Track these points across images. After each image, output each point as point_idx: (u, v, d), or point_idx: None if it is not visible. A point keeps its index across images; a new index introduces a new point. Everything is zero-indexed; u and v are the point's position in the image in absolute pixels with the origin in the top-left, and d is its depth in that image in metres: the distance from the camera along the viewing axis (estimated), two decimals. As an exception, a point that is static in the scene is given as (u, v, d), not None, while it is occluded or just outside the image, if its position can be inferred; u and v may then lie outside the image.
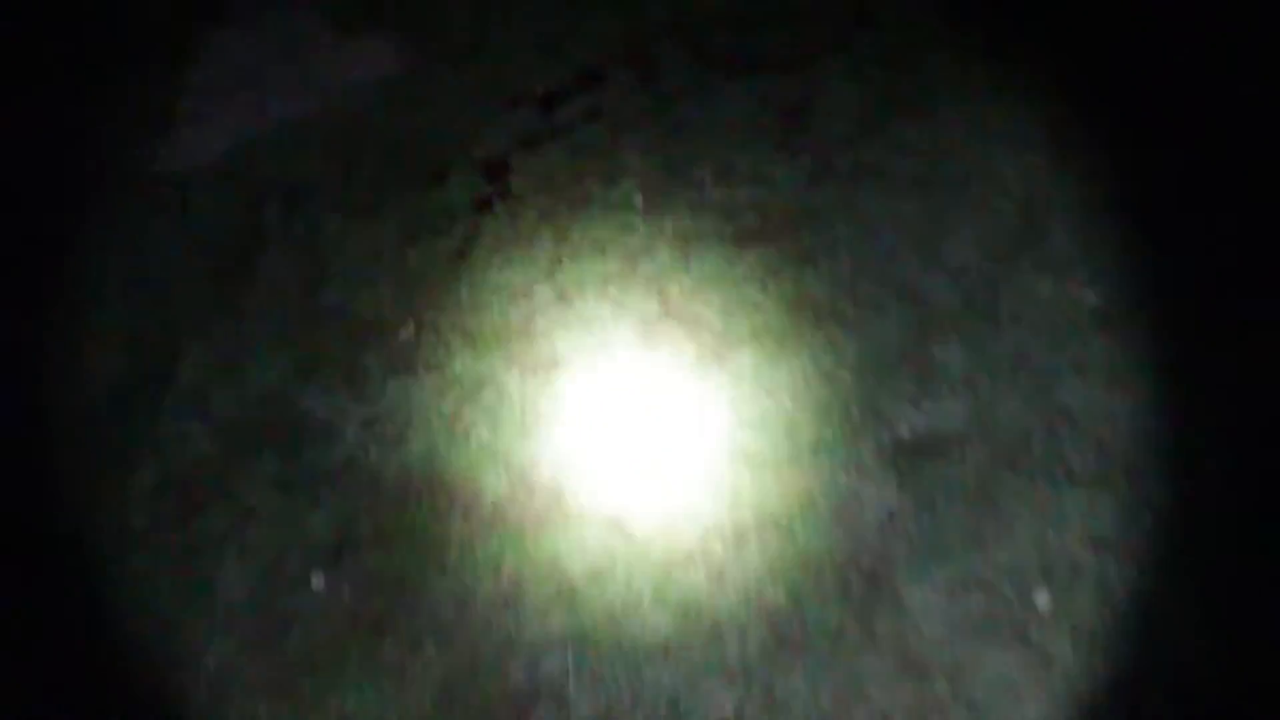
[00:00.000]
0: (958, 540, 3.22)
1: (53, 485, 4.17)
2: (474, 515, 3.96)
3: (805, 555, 3.51)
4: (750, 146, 4.88)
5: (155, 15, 6.31)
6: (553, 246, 4.71)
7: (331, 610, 3.50)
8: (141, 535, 4.05)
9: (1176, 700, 2.79)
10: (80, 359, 4.61)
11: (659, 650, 3.27)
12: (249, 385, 4.40)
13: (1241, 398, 3.26)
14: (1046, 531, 3.20)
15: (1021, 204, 4.28)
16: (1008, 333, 3.74)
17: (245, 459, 4.30)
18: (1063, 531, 3.17)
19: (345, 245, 4.82)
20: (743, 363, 4.12)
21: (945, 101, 4.77)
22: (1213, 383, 3.34)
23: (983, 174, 4.43)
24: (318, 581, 3.60)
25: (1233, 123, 3.72)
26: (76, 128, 5.70)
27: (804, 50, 5.15)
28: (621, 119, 5.17)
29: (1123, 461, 3.30)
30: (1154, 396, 3.39)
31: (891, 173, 4.63)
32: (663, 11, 5.62)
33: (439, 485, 4.10)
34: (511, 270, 4.59)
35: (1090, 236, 3.90)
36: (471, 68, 5.60)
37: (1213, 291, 3.51)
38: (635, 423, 3.89)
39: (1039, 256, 4.09)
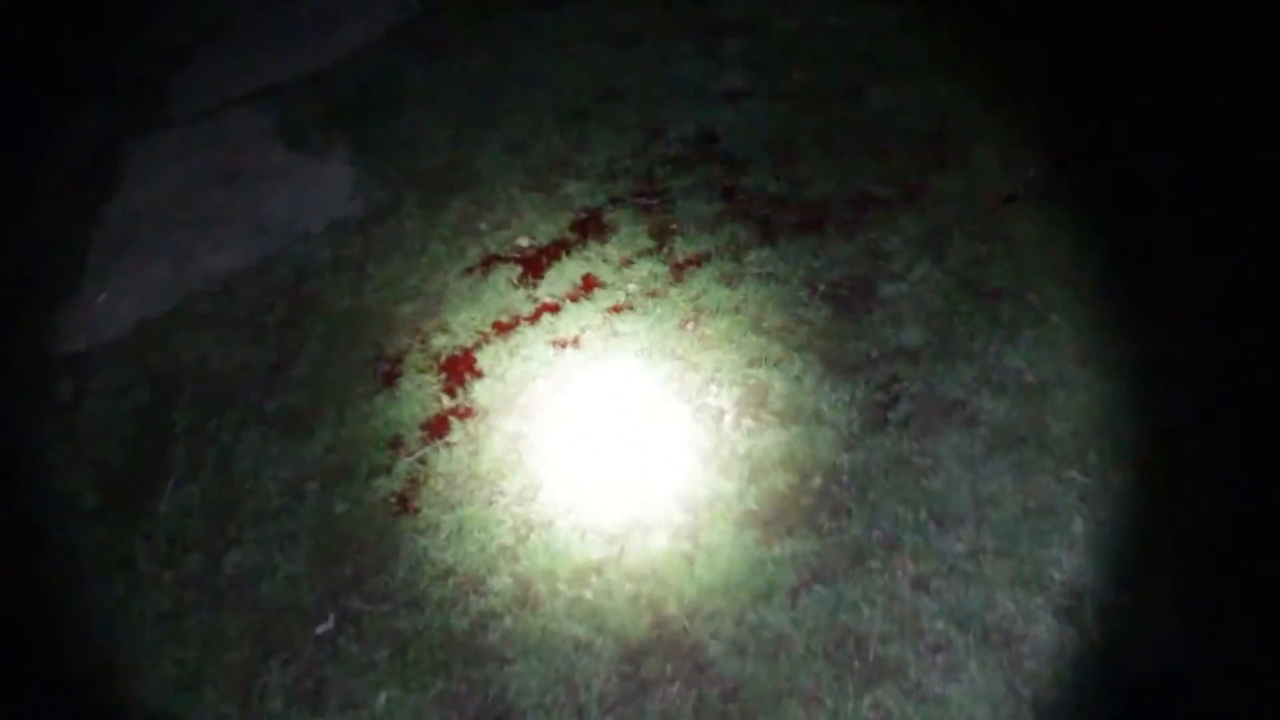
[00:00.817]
0: None
1: None
2: None
3: None
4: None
5: (76, 129, 5.06)
6: (520, 495, 3.58)
7: None
8: None
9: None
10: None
11: None
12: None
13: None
14: None
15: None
16: None
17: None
18: None
19: (262, 477, 3.74)
20: None
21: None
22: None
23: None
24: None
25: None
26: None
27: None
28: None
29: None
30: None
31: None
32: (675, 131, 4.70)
33: None
34: (465, 542, 3.48)
35: None
36: (443, 207, 4.57)
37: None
38: None
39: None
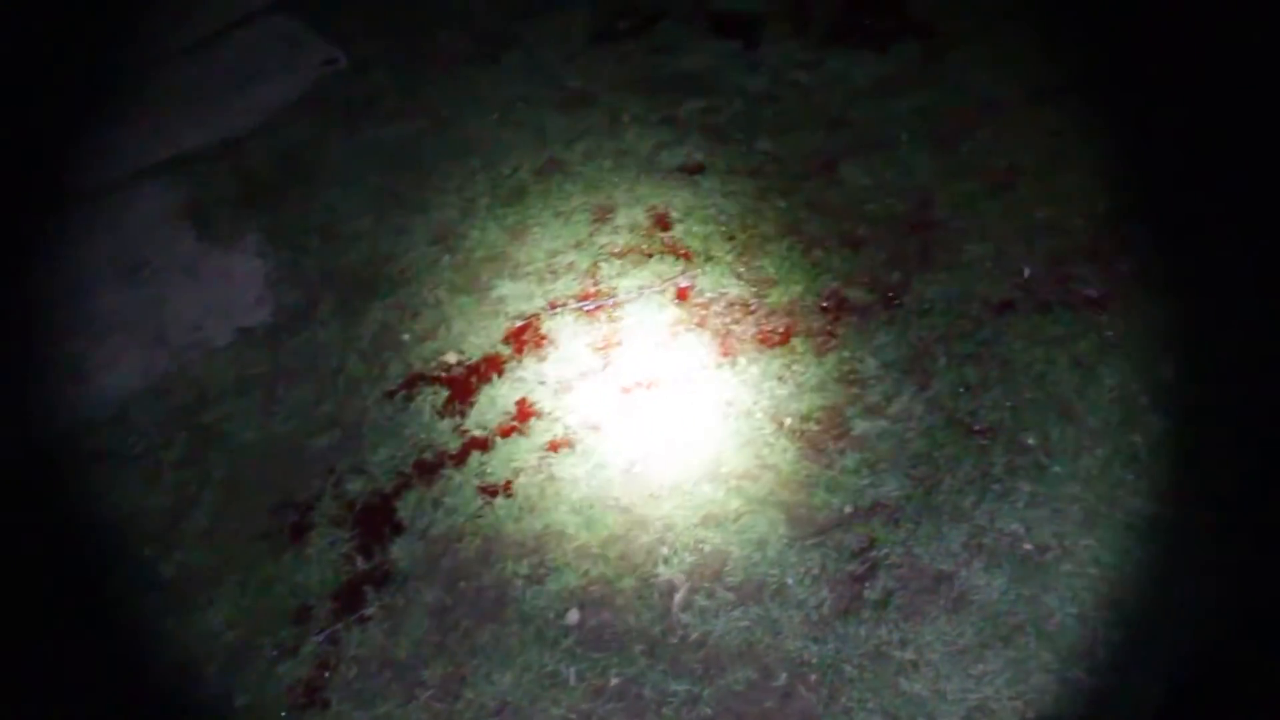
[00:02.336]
0: None
1: None
2: None
3: None
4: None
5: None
6: (442, 688, 3.08)
7: None
8: None
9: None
10: None
11: None
12: None
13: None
14: None
15: None
16: None
17: None
18: None
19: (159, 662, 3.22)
20: None
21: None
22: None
23: None
24: None
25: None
26: None
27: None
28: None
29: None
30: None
31: None
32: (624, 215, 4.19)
33: None
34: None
35: None
36: (363, 313, 4.06)
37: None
38: None
39: None
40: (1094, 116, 4.10)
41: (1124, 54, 4.20)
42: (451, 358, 3.72)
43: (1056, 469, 3.09)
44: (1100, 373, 3.27)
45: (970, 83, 4.34)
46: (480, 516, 3.30)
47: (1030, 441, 3.16)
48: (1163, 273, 3.50)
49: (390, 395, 3.65)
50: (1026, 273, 3.56)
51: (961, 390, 3.32)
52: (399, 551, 3.28)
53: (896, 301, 3.58)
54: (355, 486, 3.47)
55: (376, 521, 3.38)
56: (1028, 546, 2.97)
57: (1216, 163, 3.72)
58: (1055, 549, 2.95)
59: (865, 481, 3.16)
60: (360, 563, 3.28)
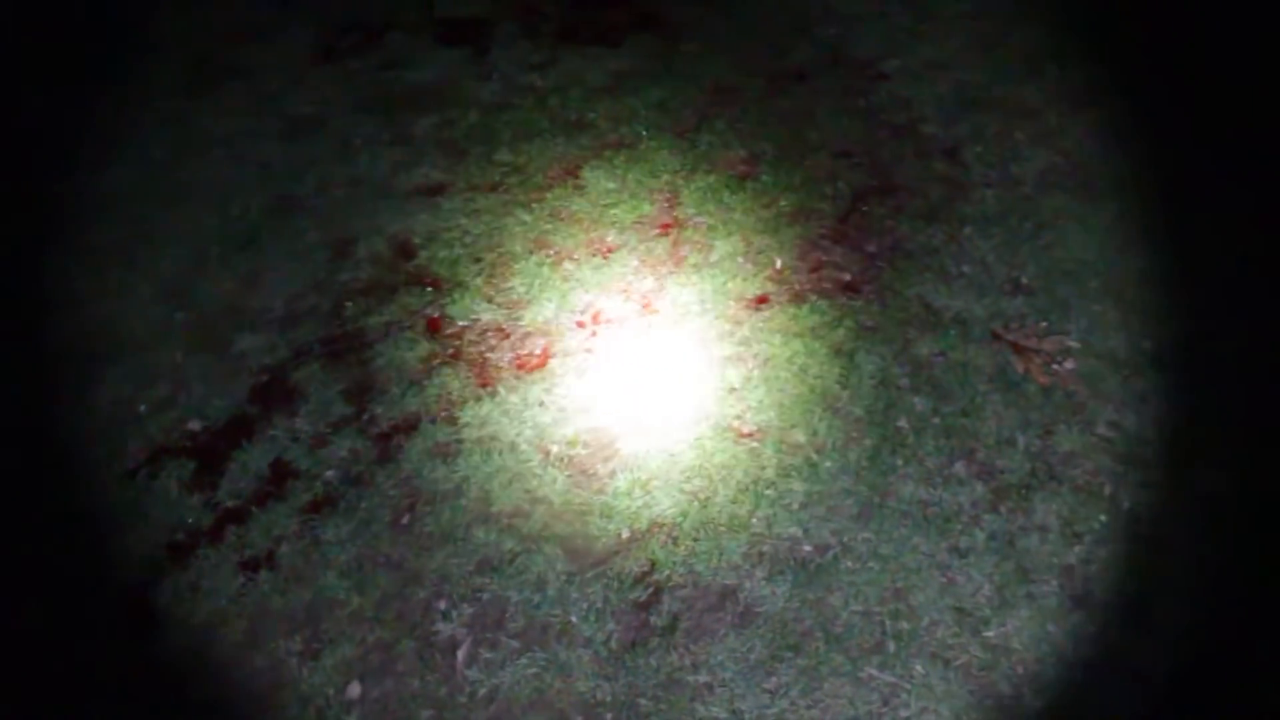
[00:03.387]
0: None
1: None
2: None
3: None
4: None
5: None
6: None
7: None
8: None
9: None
10: None
11: None
12: None
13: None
14: None
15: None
16: None
17: None
18: None
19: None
20: None
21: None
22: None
23: None
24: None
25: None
26: None
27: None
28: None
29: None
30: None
31: None
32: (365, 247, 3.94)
33: None
34: None
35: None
36: (95, 386, 3.74)
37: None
38: None
39: None
40: (829, 99, 4.11)
41: (859, 35, 4.22)
42: (195, 425, 3.46)
43: (828, 464, 3.09)
44: (860, 360, 3.28)
45: (706, 72, 4.31)
46: (244, 595, 3.08)
47: (799, 439, 3.15)
48: (909, 249, 3.52)
49: (131, 475, 3.36)
50: (778, 264, 3.53)
51: (726, 393, 3.24)
52: (159, 649, 2.97)
53: (652, 309, 3.47)
54: (101, 585, 3.12)
55: (130, 620, 3.06)
56: (807, 548, 2.95)
57: (958, 139, 3.78)
58: (835, 547, 2.94)
59: (639, 502, 3.08)
60: (116, 667, 2.97)
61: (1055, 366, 3.20)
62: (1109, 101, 3.92)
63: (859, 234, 3.62)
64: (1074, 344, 3.25)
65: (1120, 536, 2.88)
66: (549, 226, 3.82)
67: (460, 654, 2.87)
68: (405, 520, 3.16)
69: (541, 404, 3.34)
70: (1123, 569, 2.82)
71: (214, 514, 3.27)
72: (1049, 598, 2.78)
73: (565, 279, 3.64)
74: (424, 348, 3.54)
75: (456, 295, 3.66)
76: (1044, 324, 3.30)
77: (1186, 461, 2.98)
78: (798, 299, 3.45)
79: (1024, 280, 3.45)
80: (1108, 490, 2.97)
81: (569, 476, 3.16)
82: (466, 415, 3.35)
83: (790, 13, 4.57)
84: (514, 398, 3.37)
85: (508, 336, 3.53)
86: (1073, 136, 3.89)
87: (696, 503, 3.05)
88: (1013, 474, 3.02)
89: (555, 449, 3.23)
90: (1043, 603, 2.77)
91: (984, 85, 4.15)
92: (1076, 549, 2.87)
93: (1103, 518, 2.92)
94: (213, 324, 3.74)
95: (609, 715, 2.74)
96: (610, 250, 3.70)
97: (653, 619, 2.87)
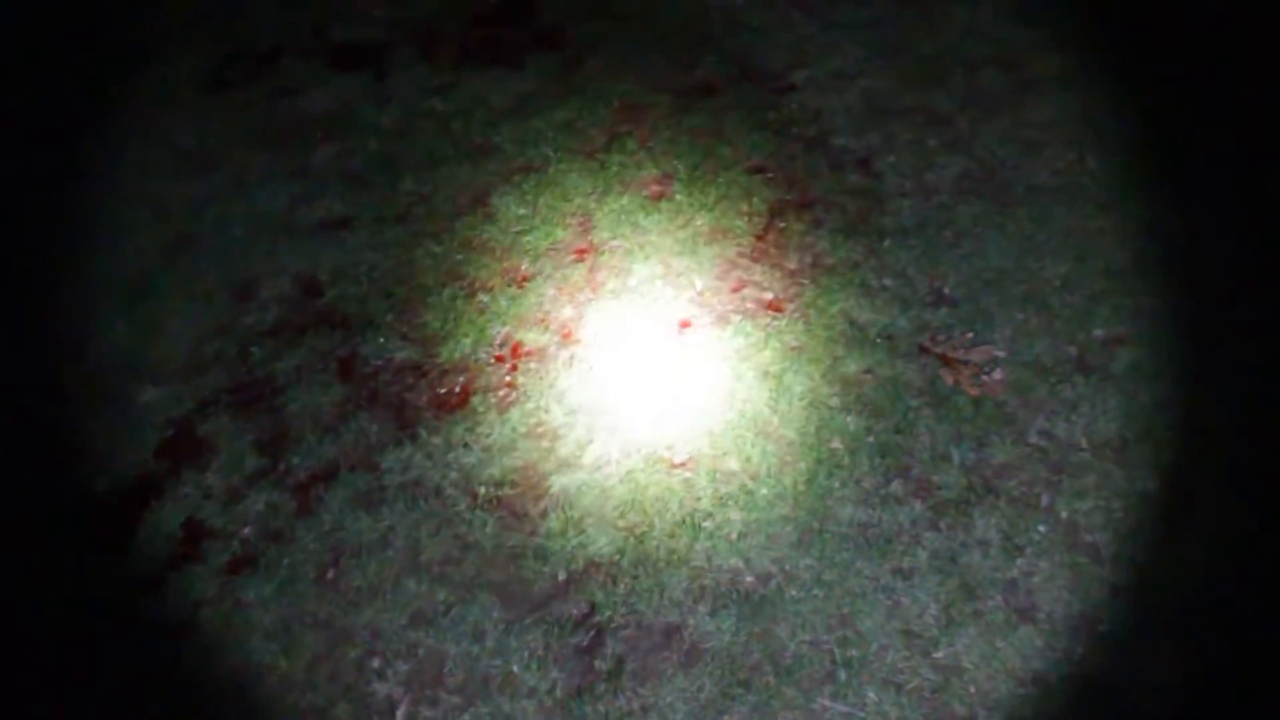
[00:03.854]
0: None
1: None
2: None
3: None
4: None
5: None
6: None
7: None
8: None
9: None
10: None
11: None
12: None
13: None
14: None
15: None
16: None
17: None
18: None
19: None
20: None
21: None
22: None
23: None
24: None
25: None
26: None
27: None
28: None
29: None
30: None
31: None
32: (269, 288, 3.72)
33: None
34: None
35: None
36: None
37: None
38: None
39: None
40: (739, 113, 4.06)
41: (766, 47, 4.17)
42: (100, 486, 3.24)
43: (763, 491, 3.03)
44: (788, 381, 3.23)
45: (611, 90, 4.22)
46: (164, 667, 2.87)
47: (733, 466, 3.09)
48: (830, 265, 3.48)
49: (34, 542, 3.14)
50: (699, 286, 3.46)
51: (655, 423, 3.16)
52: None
53: (573, 338, 3.37)
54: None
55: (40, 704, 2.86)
56: (750, 579, 2.89)
57: (870, 149, 3.75)
58: (777, 576, 2.89)
59: (574, 542, 2.99)
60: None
61: (984, 377, 3.17)
62: (1020, 104, 3.91)
63: (778, 251, 3.56)
64: (1000, 353, 3.23)
65: (1060, 547, 2.84)
66: (460, 257, 3.70)
67: (399, 714, 2.76)
68: (330, 575, 3.01)
69: (465, 445, 3.22)
70: (1066, 580, 2.79)
71: (125, 582, 3.06)
72: (995, 614, 2.74)
73: (481, 311, 3.52)
74: (337, 391, 3.39)
75: (368, 334, 3.52)
76: (970, 334, 3.27)
77: (1120, 467, 2.97)
78: (721, 321, 3.38)
79: (947, 291, 3.42)
80: (1044, 500, 2.93)
81: (499, 519, 3.05)
82: (387, 461, 3.21)
83: (695, 25, 4.49)
84: (436, 439, 3.24)
85: (425, 375, 3.40)
86: (985, 142, 3.86)
87: (633, 539, 2.96)
88: (950, 490, 2.97)
89: (483, 491, 3.12)
90: (989, 619, 2.73)
91: (892, 93, 4.12)
92: (1019, 561, 2.83)
93: (1041, 528, 2.87)
94: (111, 378, 3.54)
95: (559, 769, 2.63)
96: (525, 279, 3.58)
97: (597, 663, 2.78)
